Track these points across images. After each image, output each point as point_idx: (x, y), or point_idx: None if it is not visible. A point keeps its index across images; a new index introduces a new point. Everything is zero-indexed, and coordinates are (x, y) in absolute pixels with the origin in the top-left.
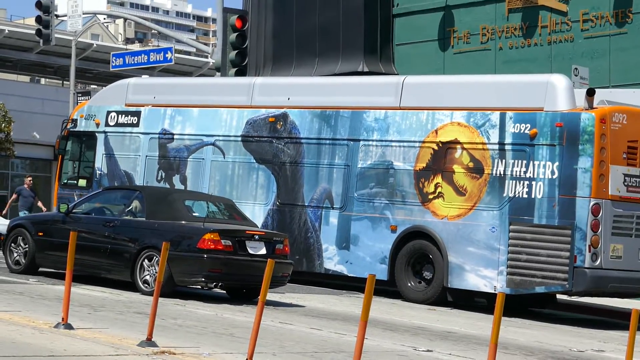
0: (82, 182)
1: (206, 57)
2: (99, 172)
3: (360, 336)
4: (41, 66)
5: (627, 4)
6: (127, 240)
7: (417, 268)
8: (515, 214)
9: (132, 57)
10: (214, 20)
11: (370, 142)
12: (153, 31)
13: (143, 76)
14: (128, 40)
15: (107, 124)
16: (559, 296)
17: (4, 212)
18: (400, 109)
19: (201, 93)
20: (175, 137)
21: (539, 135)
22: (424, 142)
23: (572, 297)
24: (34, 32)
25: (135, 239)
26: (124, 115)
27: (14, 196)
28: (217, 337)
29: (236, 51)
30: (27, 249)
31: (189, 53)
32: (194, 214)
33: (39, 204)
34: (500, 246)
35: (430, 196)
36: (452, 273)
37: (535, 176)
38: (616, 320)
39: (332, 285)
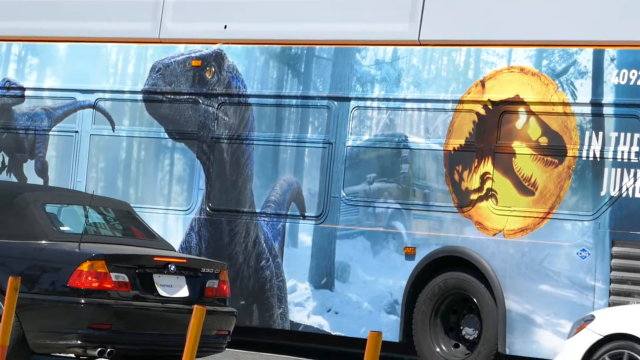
0: None
1: None
2: None
3: None
4: None
5: None
6: None
7: (451, 320)
8: (622, 226)
9: None
10: None
11: (369, 103)
12: None
13: None
14: None
15: None
16: None
17: None
18: (421, 45)
19: (73, 16)
20: (26, 93)
21: None
22: (461, 101)
23: None
24: None
25: None
26: None
27: None
28: None
29: None
30: None
31: None
32: (61, 228)
33: None
34: (597, 283)
35: (474, 196)
36: (513, 329)
37: None
38: None
39: (304, 351)
